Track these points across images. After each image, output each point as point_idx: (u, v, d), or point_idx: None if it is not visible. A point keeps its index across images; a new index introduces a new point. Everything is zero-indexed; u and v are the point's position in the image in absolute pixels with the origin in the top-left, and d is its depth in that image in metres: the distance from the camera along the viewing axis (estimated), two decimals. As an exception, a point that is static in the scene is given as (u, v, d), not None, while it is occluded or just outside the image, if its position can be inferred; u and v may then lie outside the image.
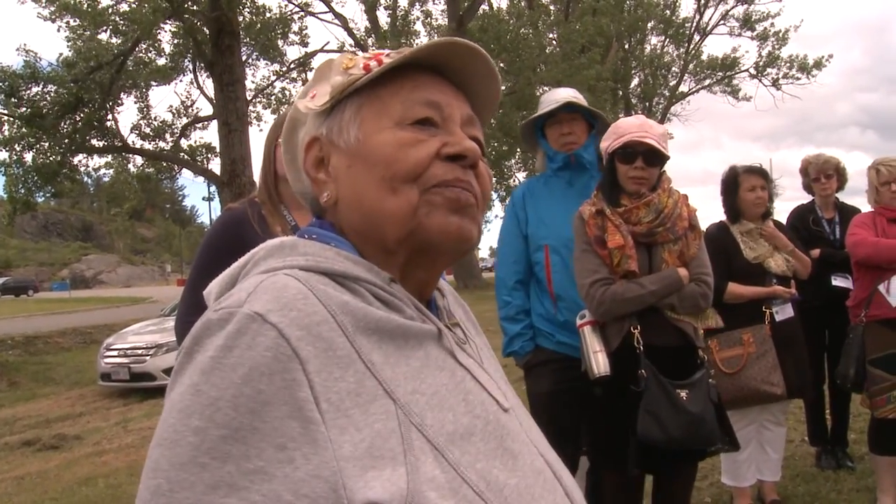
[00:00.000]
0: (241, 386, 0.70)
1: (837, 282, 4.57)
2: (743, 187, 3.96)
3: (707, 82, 38.10)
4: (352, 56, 0.96)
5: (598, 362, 2.84)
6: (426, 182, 0.88)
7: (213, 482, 0.68)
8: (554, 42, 25.30)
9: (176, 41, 20.53)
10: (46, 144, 17.79)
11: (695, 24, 37.02)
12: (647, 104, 36.40)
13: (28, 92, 17.44)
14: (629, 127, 2.93)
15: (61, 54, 18.24)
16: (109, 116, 19.37)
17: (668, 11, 35.30)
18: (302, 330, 0.74)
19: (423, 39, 26.59)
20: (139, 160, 21.53)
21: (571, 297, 3.17)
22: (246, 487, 0.68)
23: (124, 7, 18.18)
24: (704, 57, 37.53)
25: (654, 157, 2.90)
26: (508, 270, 3.40)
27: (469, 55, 0.93)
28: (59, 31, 18.49)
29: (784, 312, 3.86)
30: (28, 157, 17.75)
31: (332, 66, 0.97)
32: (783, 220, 4.73)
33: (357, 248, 0.92)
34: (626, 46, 34.78)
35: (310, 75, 1.04)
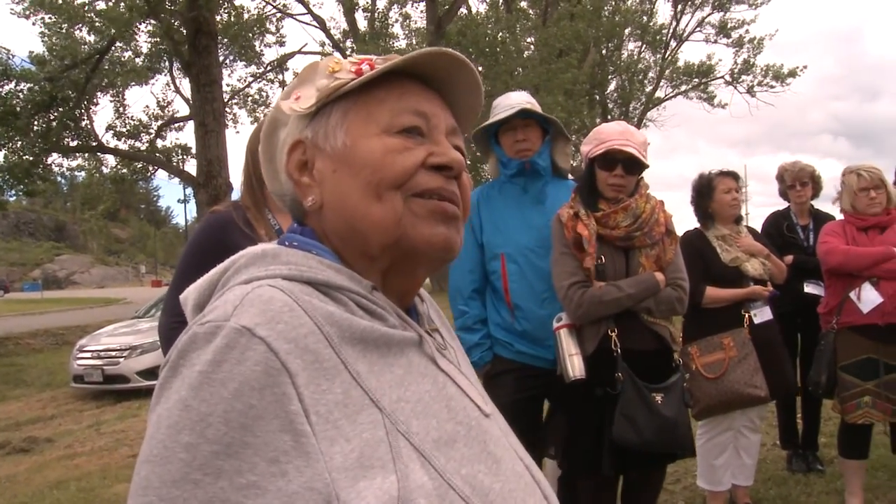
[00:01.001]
0: (231, 401, 0.70)
1: (810, 288, 4.64)
2: (719, 189, 4.01)
3: (683, 88, 38.42)
4: (338, 60, 0.96)
5: (574, 365, 2.87)
6: (410, 189, 0.89)
7: (206, 499, 0.67)
8: (532, 46, 25.38)
9: (153, 41, 20.35)
10: (19, 143, 17.54)
11: (671, 30, 37.34)
12: (624, 109, 36.61)
13: (0, 90, 17.19)
14: (611, 134, 2.95)
15: (32, 52, 18.05)
16: (84, 116, 19.15)
17: (645, 18, 35.54)
18: (290, 343, 0.74)
19: (401, 42, 26.58)
20: (113, 161, 21.32)
21: (529, 306, 3.17)
22: (240, 503, 0.68)
23: (101, 5, 18.00)
24: (681, 63, 37.87)
25: (634, 166, 2.94)
26: (464, 279, 3.33)
27: (456, 66, 0.94)
28: (34, 24, 18.28)
29: (763, 315, 3.91)
30: (0, 156, 17.51)
31: (317, 69, 0.97)
32: (758, 226, 4.81)
33: (339, 254, 0.92)
34: (604, 52, 34.95)
35: (287, 76, 1.03)
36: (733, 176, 4.07)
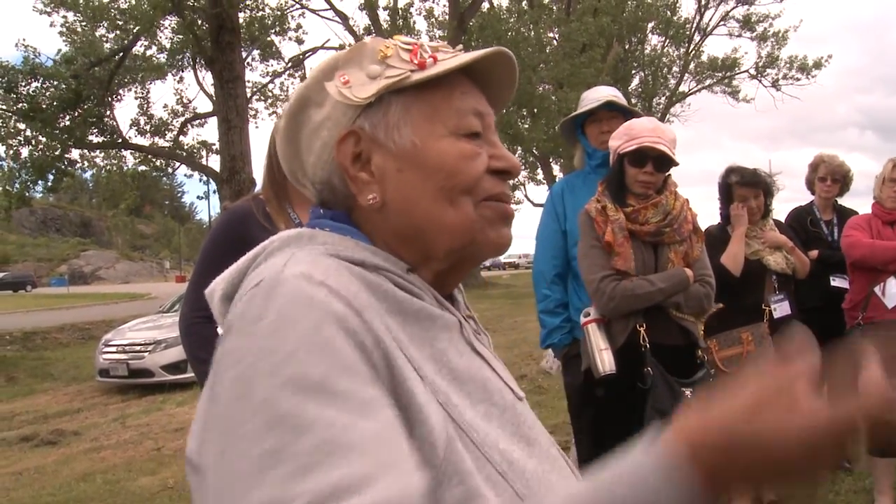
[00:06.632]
0: (311, 335, 0.69)
1: (836, 282, 4.55)
2: (735, 198, 3.91)
3: (707, 83, 38.13)
4: (388, 44, 0.92)
5: (604, 360, 2.85)
6: (478, 195, 0.90)
7: (322, 418, 0.64)
8: (555, 41, 25.29)
9: (176, 37, 20.50)
10: (44, 140, 17.74)
11: (695, 24, 37.05)
12: (648, 104, 36.39)
13: (27, 87, 17.40)
14: (642, 130, 2.94)
15: (59, 50, 18.25)
16: (108, 112, 19.34)
17: (668, 12, 35.28)
18: (347, 292, 0.76)
19: (425, 37, 26.55)
20: (132, 158, 21.48)
21: None
22: (357, 409, 0.66)
23: (123, 3, 18.17)
24: (704, 57, 37.58)
25: (664, 163, 2.94)
26: (548, 264, 3.47)
27: (503, 64, 0.95)
28: (51, 26, 18.50)
29: (782, 309, 3.86)
30: (24, 151, 17.74)
31: (364, 51, 0.92)
32: (781, 220, 4.73)
33: (388, 250, 0.90)
34: (627, 46, 34.74)
35: (308, 73, 1.00)
36: (752, 185, 3.90)
